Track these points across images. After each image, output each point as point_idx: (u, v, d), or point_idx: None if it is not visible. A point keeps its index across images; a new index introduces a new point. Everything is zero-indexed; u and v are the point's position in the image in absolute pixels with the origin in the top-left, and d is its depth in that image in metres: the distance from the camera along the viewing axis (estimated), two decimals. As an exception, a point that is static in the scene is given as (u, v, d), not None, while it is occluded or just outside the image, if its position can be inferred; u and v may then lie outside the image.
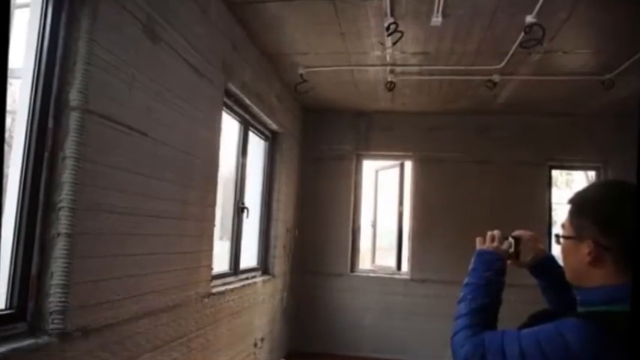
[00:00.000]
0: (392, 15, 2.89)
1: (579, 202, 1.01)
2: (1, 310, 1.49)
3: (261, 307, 3.97)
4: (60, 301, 1.57)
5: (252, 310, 3.71)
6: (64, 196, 1.60)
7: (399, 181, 5.24)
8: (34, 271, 1.56)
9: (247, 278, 3.78)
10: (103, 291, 1.80)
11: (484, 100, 4.58)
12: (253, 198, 4.19)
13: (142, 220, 2.08)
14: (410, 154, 5.24)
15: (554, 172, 5.32)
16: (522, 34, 2.90)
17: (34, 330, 1.54)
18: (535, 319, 1.02)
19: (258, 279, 3.96)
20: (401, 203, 5.22)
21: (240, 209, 3.71)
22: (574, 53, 3.43)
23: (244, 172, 3.78)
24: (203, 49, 2.64)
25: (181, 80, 2.42)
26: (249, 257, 4.11)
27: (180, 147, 2.44)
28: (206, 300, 2.79)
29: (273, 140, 4.51)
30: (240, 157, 3.73)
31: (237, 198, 3.70)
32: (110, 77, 1.81)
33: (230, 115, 3.47)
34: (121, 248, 1.92)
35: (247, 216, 3.80)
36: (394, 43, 3.22)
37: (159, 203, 2.22)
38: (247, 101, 3.50)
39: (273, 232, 4.44)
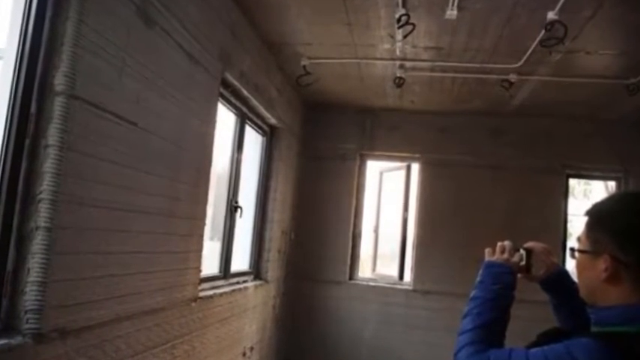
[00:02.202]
0: (404, 6, 2.89)
1: (597, 215, 1.01)
2: (-27, 307, 1.49)
3: (252, 314, 3.97)
4: (36, 300, 1.57)
5: (242, 317, 3.71)
6: (45, 187, 1.60)
7: (405, 184, 5.25)
8: (9, 266, 1.56)
9: (238, 282, 3.78)
10: (83, 290, 1.80)
11: (499, 101, 4.58)
12: (248, 197, 4.19)
13: (128, 215, 2.08)
14: (417, 155, 5.24)
15: (572, 181, 5.32)
16: (543, 31, 2.90)
17: (8, 329, 1.54)
18: (545, 338, 1.01)
19: (250, 284, 3.96)
20: (406, 208, 5.22)
21: (233, 208, 3.71)
22: (597, 54, 3.43)
23: (239, 168, 3.78)
24: (200, 36, 2.64)
25: (175, 68, 2.42)
26: (240, 260, 4.12)
27: (172, 139, 2.44)
28: (193, 304, 2.79)
29: (271, 135, 4.51)
30: (235, 153, 3.73)
31: (231, 196, 3.70)
32: (99, 62, 1.81)
33: (226, 106, 3.47)
34: (103, 245, 1.92)
35: (240, 216, 3.80)
36: (405, 37, 3.22)
37: (146, 198, 2.22)
38: (245, 92, 3.50)
39: (267, 234, 4.44)
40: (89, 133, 1.78)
